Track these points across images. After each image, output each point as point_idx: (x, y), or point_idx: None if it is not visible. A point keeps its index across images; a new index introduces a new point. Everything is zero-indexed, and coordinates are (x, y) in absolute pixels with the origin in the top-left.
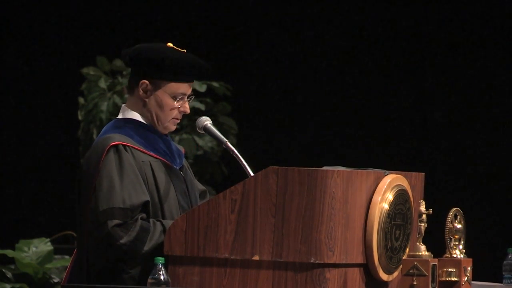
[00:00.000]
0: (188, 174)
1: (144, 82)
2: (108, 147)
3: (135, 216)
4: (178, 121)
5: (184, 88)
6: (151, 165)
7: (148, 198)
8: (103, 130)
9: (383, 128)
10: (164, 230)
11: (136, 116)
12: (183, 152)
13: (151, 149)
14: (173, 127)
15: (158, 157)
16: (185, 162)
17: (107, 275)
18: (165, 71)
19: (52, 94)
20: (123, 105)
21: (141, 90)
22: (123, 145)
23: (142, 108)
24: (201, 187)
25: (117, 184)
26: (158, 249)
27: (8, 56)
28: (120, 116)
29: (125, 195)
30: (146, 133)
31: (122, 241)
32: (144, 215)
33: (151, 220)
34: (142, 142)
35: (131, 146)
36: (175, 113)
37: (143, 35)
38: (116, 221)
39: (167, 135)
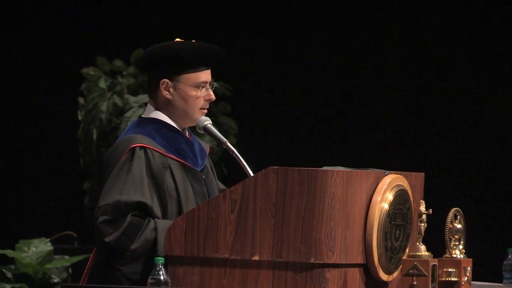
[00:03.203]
0: (209, 175)
1: (165, 81)
2: (129, 148)
3: (127, 214)
4: (206, 110)
5: (204, 76)
6: (171, 168)
7: (144, 200)
8: (127, 128)
9: (383, 128)
10: (155, 228)
11: (161, 116)
12: (207, 151)
13: (172, 151)
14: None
15: (179, 159)
16: (208, 163)
17: (101, 272)
18: (181, 63)
19: (52, 94)
20: (148, 103)
21: (163, 90)
22: (144, 147)
23: (167, 106)
24: (222, 186)
25: (120, 184)
26: (148, 246)
27: (8, 56)
28: (144, 115)
29: (123, 194)
30: (169, 133)
31: (110, 237)
32: (136, 213)
33: (147, 218)
34: (164, 143)
35: (153, 149)
36: (201, 103)
37: (143, 36)
38: (106, 217)
39: (191, 135)
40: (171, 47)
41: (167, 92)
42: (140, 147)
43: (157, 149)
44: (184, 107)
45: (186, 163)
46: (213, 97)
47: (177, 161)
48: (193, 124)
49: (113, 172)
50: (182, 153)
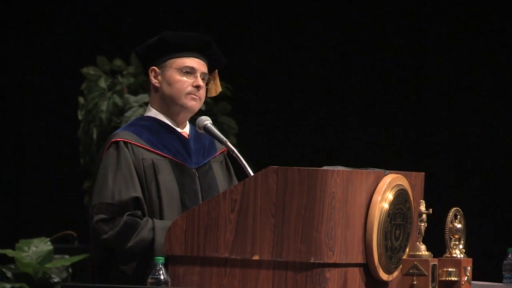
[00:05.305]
0: (208, 174)
1: (153, 69)
2: (109, 143)
3: (124, 212)
4: (196, 97)
5: (190, 61)
6: (153, 163)
7: (138, 195)
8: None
9: (383, 127)
10: (153, 228)
11: (154, 113)
12: (218, 151)
13: (159, 147)
14: (192, 103)
15: (165, 155)
16: (218, 165)
17: (99, 270)
18: (164, 48)
19: (52, 94)
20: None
21: (152, 78)
22: (124, 142)
23: (158, 97)
24: None
25: (110, 180)
26: (145, 246)
27: (8, 56)
28: (144, 114)
29: (115, 191)
30: (160, 131)
31: (105, 236)
32: (137, 212)
33: (145, 218)
34: (151, 140)
35: (134, 143)
36: (187, 88)
37: (143, 35)
38: (102, 216)
39: (188, 136)
40: (158, 35)
41: (156, 80)
42: (124, 142)
43: (140, 144)
44: (170, 92)
45: (175, 160)
46: (200, 83)
47: (163, 157)
48: (184, 111)
49: (101, 168)
50: (172, 149)
